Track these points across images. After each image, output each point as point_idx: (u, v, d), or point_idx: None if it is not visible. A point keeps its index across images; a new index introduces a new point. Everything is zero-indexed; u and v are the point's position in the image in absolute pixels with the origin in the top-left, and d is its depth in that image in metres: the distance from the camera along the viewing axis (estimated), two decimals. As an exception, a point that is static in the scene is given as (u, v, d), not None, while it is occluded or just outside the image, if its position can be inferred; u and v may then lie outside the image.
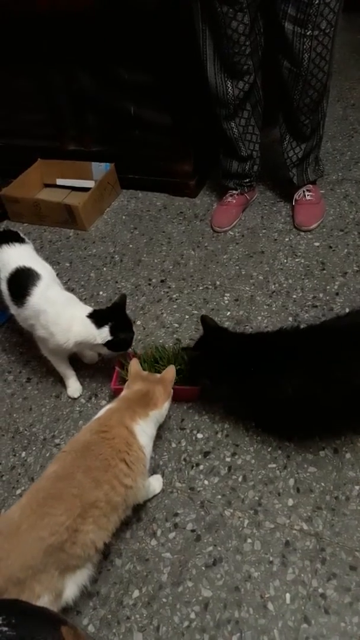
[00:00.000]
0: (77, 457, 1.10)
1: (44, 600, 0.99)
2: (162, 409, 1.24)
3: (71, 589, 1.05)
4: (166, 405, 1.25)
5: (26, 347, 1.75)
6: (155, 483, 1.28)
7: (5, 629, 0.63)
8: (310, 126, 1.82)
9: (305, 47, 1.58)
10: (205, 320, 1.40)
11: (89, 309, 1.43)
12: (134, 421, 1.17)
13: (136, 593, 1.14)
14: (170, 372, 1.28)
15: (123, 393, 1.27)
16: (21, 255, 1.55)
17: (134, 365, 1.31)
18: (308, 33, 1.55)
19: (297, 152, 1.91)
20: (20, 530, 0.99)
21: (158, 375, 1.29)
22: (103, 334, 1.38)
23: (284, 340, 1.30)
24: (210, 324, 1.40)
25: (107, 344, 1.39)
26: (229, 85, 1.76)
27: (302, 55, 1.60)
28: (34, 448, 1.47)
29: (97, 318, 1.40)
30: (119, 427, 1.14)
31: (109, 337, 1.38)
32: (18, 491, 1.36)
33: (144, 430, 1.18)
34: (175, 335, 1.69)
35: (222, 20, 1.59)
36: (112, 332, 1.38)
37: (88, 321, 1.39)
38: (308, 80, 1.66)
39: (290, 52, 1.62)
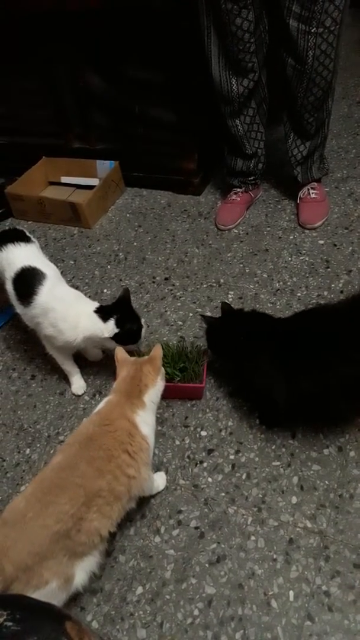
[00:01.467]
0: (80, 448, 1.12)
1: (53, 586, 1.00)
2: (155, 386, 1.23)
3: (80, 575, 1.07)
4: (159, 381, 1.25)
5: (30, 344, 1.76)
6: (159, 480, 1.29)
7: (9, 623, 0.63)
8: (315, 124, 1.82)
9: (309, 44, 1.57)
10: (224, 307, 1.46)
11: (95, 305, 1.45)
12: (134, 412, 1.18)
13: (140, 590, 1.14)
14: (157, 349, 1.28)
15: (116, 383, 1.27)
16: (26, 254, 1.55)
17: (120, 352, 1.30)
18: (312, 30, 1.54)
19: (302, 150, 1.90)
20: (26, 518, 1.01)
21: (146, 356, 1.29)
22: (109, 327, 1.39)
23: (295, 322, 1.33)
24: (227, 309, 1.46)
25: (115, 337, 1.40)
26: (233, 82, 1.75)
27: (307, 52, 1.59)
28: (38, 445, 1.47)
29: (103, 312, 1.42)
30: (121, 420, 1.15)
31: (116, 330, 1.39)
32: (22, 487, 1.37)
33: (145, 421, 1.19)
34: (179, 333, 1.69)
35: (226, 17, 1.58)
36: (118, 324, 1.39)
37: (95, 316, 1.41)
38: (312, 78, 1.66)
39: (295, 50, 1.61)
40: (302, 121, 1.81)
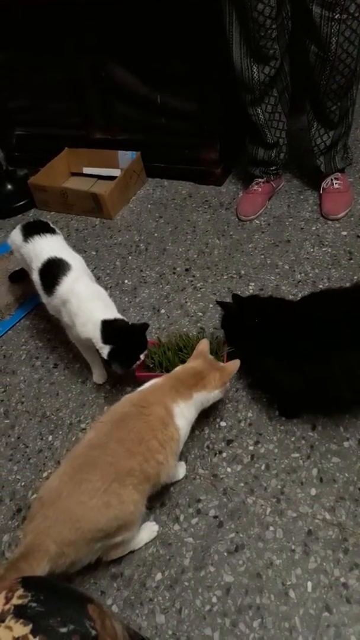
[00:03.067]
0: (112, 427, 1.14)
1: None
2: (210, 393, 1.24)
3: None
4: (217, 392, 1.26)
5: (53, 333, 1.79)
6: (179, 469, 1.30)
7: (34, 604, 0.65)
8: (339, 113, 1.78)
9: (333, 31, 1.54)
10: (236, 296, 1.45)
11: (108, 315, 1.41)
12: (174, 402, 1.19)
13: (159, 576, 1.16)
14: (234, 364, 1.28)
15: (178, 368, 1.28)
16: (53, 246, 1.58)
17: (204, 344, 1.31)
18: (336, 17, 1.51)
19: (325, 139, 1.87)
20: (62, 497, 1.04)
21: (222, 363, 1.30)
22: (104, 350, 1.38)
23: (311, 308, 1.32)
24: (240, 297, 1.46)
25: (105, 359, 1.40)
26: (254, 69, 1.73)
27: (330, 39, 1.56)
28: (60, 432, 1.50)
29: (108, 330, 1.38)
30: (158, 406, 1.17)
31: (106, 357, 1.38)
32: (45, 474, 1.40)
33: (182, 413, 1.19)
34: (199, 324, 1.69)
35: (248, 2, 1.56)
36: (111, 354, 1.37)
37: (99, 327, 1.38)
38: (336, 66, 1.62)
39: (318, 37, 1.58)
40: (325, 110, 1.78)
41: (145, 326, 1.43)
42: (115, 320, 1.41)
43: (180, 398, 1.19)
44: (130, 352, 1.40)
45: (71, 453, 1.14)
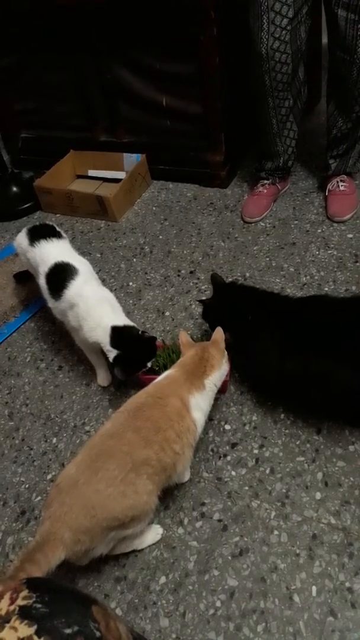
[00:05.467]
0: (128, 416, 1.15)
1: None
2: (220, 369, 1.26)
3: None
4: (224, 364, 1.28)
5: (58, 336, 1.79)
6: (184, 471, 1.30)
7: (38, 605, 0.65)
8: None
9: (359, 33, 1.54)
10: (215, 278, 1.52)
11: (117, 320, 1.42)
12: (190, 394, 1.19)
13: (163, 579, 1.16)
14: (218, 332, 1.31)
15: (181, 359, 1.29)
16: (59, 250, 1.59)
17: (184, 334, 1.33)
18: None
19: (345, 142, 1.87)
20: (79, 484, 1.05)
21: (206, 342, 1.32)
22: (110, 354, 1.39)
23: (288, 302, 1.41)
24: (220, 281, 1.51)
25: (111, 364, 1.41)
26: (266, 77, 1.72)
27: (356, 42, 1.57)
28: (64, 434, 1.50)
29: (117, 337, 1.39)
30: (174, 398, 1.17)
31: (111, 360, 1.39)
32: (49, 476, 1.40)
33: (199, 404, 1.20)
34: (204, 327, 1.69)
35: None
36: (116, 360, 1.38)
37: (109, 332, 1.39)
38: None
39: (344, 41, 1.59)
40: (351, 113, 1.77)
41: (153, 339, 1.43)
42: (124, 327, 1.42)
43: (194, 389, 1.20)
44: (135, 361, 1.41)
45: (89, 442, 1.15)
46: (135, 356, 1.41)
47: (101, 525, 1.04)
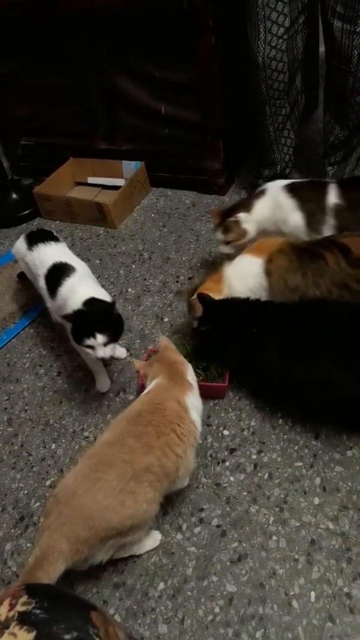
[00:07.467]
0: (128, 424, 1.15)
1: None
2: (189, 364, 1.31)
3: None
4: (184, 359, 1.32)
5: (57, 341, 1.79)
6: (186, 476, 1.30)
7: (38, 611, 0.65)
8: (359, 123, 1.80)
9: (355, 43, 1.57)
10: (204, 299, 1.44)
11: (92, 294, 1.41)
12: (185, 395, 1.20)
13: (161, 585, 1.16)
14: (163, 339, 1.35)
15: (154, 371, 1.27)
16: (57, 252, 1.61)
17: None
18: (358, 30, 1.54)
19: (342, 149, 1.90)
20: (77, 495, 1.05)
21: (158, 353, 1.35)
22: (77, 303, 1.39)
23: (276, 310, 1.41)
24: (209, 300, 1.45)
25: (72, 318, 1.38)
26: (263, 85, 1.74)
27: (352, 52, 1.59)
28: (63, 440, 1.50)
29: (87, 305, 1.38)
30: (171, 402, 1.18)
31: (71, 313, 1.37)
32: (47, 482, 1.40)
33: (194, 404, 1.21)
34: (202, 333, 1.70)
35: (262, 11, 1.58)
36: (77, 315, 1.36)
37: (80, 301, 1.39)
38: (359, 77, 1.64)
39: (339, 51, 1.61)
40: (347, 121, 1.80)
41: (108, 307, 1.38)
42: (93, 298, 1.40)
43: (186, 389, 1.21)
44: (81, 328, 1.37)
45: (88, 451, 1.15)
46: (82, 324, 1.37)
47: (100, 535, 1.04)
